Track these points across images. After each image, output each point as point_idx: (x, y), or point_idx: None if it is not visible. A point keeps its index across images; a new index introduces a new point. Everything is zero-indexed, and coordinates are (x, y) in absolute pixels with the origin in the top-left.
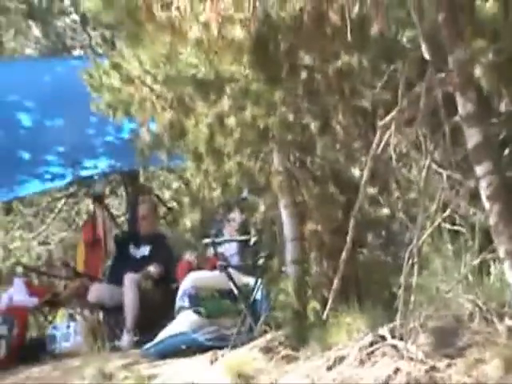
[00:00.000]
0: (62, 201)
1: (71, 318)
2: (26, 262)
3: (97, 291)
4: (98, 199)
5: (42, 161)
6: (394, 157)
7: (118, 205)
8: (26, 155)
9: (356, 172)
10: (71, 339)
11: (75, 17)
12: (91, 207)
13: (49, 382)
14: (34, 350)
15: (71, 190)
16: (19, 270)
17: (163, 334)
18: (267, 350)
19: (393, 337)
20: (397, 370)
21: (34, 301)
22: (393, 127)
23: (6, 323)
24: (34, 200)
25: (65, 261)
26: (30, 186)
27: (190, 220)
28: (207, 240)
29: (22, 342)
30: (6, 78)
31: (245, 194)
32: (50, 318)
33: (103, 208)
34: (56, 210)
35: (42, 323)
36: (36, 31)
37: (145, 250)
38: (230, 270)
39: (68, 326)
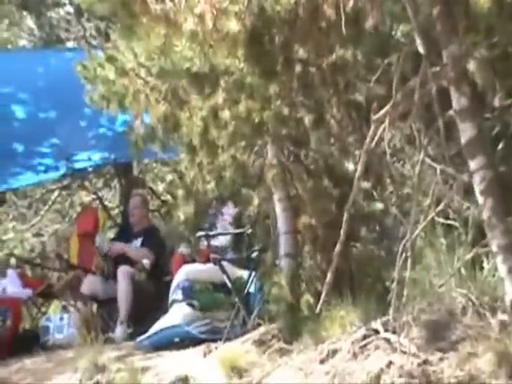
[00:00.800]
0: (56, 193)
1: (64, 309)
2: (19, 254)
3: (90, 283)
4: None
5: (35, 152)
6: (387, 151)
7: (111, 197)
8: (20, 147)
9: (350, 166)
10: (64, 331)
11: (69, 8)
12: (85, 199)
13: (41, 374)
14: (27, 342)
15: (65, 182)
16: (13, 261)
17: (157, 327)
18: (260, 342)
19: (386, 330)
20: (389, 364)
21: (27, 292)
22: (387, 121)
23: (0, 315)
24: (28, 192)
25: (58, 253)
26: (24, 178)
27: (183, 213)
28: (201, 233)
29: (16, 333)
30: None
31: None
32: (43, 309)
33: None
34: (50, 202)
35: (35, 315)
36: (30, 22)
37: (137, 242)
38: (224, 263)
39: (61, 318)
